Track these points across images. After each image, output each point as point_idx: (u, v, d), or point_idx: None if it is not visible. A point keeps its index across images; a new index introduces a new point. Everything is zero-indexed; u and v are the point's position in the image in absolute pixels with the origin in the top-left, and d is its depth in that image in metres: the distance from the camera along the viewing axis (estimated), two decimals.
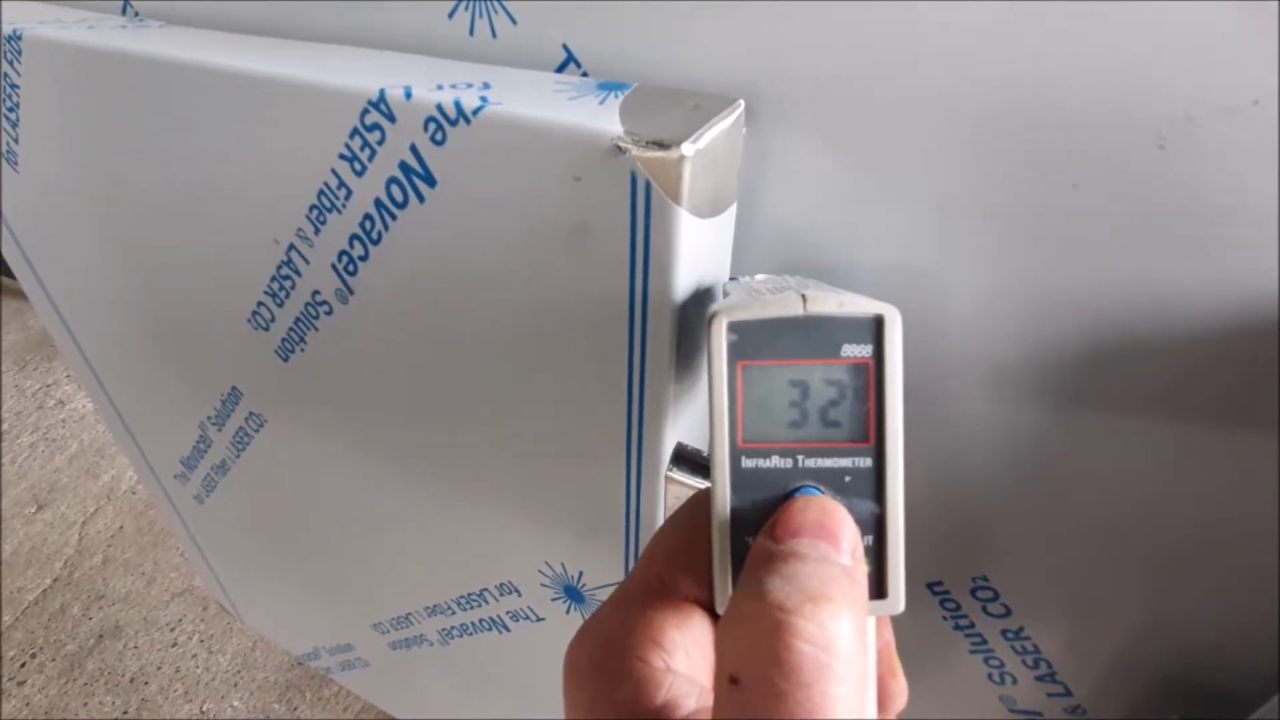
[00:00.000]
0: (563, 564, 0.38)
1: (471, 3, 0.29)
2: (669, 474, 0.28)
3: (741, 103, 0.25)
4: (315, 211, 0.32)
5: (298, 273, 0.35)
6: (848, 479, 0.18)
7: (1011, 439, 0.29)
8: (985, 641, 0.35)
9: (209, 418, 0.51)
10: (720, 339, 0.17)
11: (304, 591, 0.65)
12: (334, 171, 0.30)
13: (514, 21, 0.29)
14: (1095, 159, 0.22)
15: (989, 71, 0.22)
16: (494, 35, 0.29)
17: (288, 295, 0.37)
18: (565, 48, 0.28)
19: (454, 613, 0.49)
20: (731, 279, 0.22)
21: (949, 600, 0.35)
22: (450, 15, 0.30)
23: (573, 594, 0.39)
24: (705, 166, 0.23)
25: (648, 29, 0.26)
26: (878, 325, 0.17)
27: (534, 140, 0.24)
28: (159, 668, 1.17)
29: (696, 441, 0.30)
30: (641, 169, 0.22)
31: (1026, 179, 0.23)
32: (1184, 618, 0.30)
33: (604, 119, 0.23)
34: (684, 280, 0.24)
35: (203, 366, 0.47)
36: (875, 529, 0.18)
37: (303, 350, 0.39)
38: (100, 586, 1.30)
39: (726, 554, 0.18)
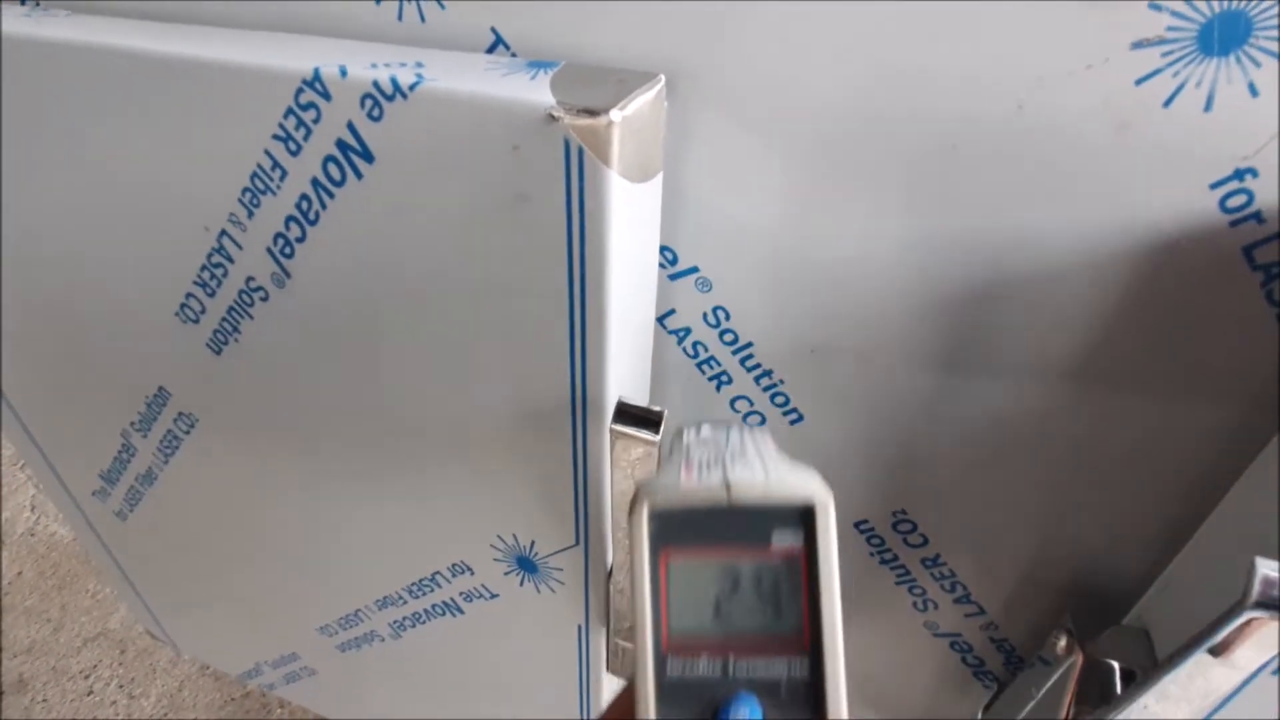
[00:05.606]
0: (514, 535, 0.39)
1: None
2: (614, 427, 0.30)
3: (662, 77, 0.27)
4: (248, 194, 0.32)
5: (230, 259, 0.35)
6: (783, 690, 0.16)
7: (916, 385, 0.32)
8: (908, 572, 0.39)
9: (132, 424, 0.50)
10: (641, 528, 0.16)
11: (243, 603, 0.63)
12: (267, 152, 0.30)
13: (442, 6, 0.30)
14: (970, 122, 0.25)
15: (879, 53, 0.25)
16: (422, 20, 0.30)
17: (220, 283, 0.37)
18: (494, 30, 0.30)
19: (405, 602, 0.49)
20: (681, 429, 0.22)
21: (874, 536, 0.38)
22: (377, 1, 0.31)
23: (525, 564, 0.40)
24: (632, 133, 0.25)
25: (573, 13, 0.28)
26: (807, 514, 0.16)
27: (471, 113, 0.25)
28: None
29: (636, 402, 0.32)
30: (574, 135, 0.24)
31: (913, 142, 0.26)
32: (1072, 535, 0.34)
33: (537, 91, 0.25)
34: (618, 241, 0.26)
35: (124, 369, 0.46)
36: None
37: (237, 340, 0.39)
38: None
39: None
